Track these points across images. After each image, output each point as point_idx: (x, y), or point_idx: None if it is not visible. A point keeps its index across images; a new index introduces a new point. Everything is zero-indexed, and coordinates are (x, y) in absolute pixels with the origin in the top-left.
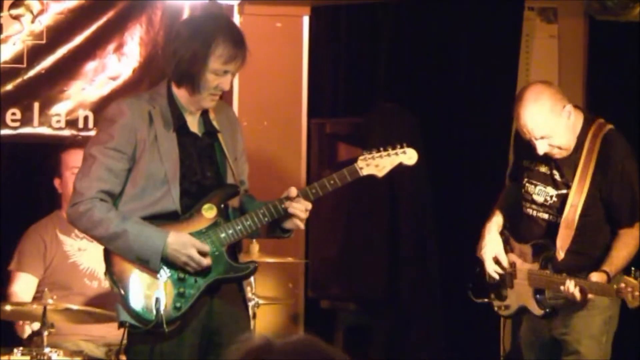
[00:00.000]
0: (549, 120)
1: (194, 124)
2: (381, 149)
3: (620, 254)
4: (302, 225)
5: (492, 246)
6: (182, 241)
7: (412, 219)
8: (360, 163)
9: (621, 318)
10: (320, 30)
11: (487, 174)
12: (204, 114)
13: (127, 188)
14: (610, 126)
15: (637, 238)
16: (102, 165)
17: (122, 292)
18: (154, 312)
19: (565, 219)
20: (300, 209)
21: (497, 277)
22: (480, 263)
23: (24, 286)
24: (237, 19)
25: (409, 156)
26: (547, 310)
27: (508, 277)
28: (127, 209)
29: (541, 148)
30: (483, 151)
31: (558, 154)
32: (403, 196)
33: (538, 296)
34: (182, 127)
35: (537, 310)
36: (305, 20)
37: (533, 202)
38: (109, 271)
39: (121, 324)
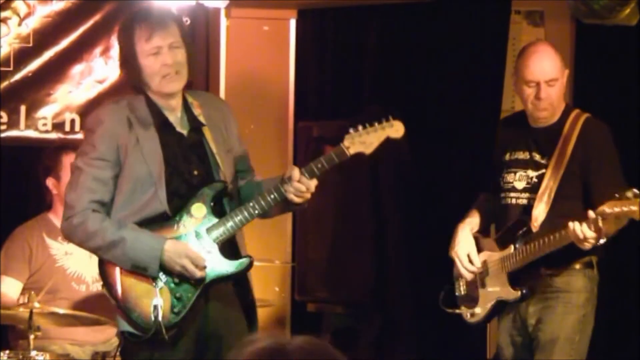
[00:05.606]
0: (559, 67)
1: (178, 123)
2: (367, 124)
3: None
4: (299, 201)
5: (464, 245)
6: (177, 250)
7: (399, 222)
8: (346, 142)
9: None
10: (307, 34)
11: (474, 177)
12: (188, 111)
13: (116, 196)
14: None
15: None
16: (89, 176)
17: (120, 302)
18: (153, 319)
19: (541, 193)
20: (302, 189)
21: (469, 276)
22: (451, 277)
23: (7, 290)
24: (224, 22)
25: (396, 129)
26: (524, 291)
27: (479, 277)
28: (119, 217)
29: (545, 92)
30: (470, 154)
31: (549, 109)
32: (390, 199)
33: (512, 279)
34: (165, 127)
35: (513, 294)
36: (292, 23)
37: (513, 189)
38: (106, 283)
39: (122, 334)
